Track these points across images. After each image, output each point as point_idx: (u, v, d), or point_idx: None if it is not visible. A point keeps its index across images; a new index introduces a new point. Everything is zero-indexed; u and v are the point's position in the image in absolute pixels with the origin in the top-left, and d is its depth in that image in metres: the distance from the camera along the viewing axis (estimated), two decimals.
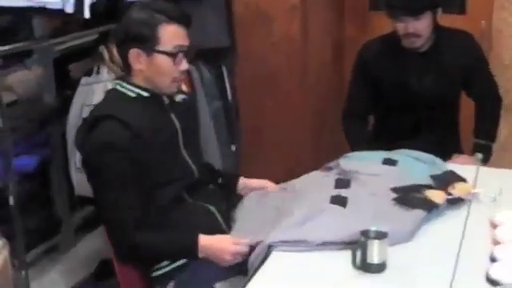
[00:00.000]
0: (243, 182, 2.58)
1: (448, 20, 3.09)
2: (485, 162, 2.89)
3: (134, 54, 2.25)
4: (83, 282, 3.24)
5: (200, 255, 2.15)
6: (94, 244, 3.60)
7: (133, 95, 2.29)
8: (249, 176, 2.57)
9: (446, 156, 2.76)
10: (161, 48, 2.23)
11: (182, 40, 2.28)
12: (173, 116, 2.37)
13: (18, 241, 2.82)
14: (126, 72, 2.35)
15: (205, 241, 2.16)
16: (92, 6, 2.81)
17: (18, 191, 2.93)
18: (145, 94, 2.30)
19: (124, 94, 2.30)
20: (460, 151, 3.04)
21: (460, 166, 2.56)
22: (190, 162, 2.38)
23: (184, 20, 2.28)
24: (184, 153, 2.37)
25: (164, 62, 2.26)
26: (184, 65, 2.30)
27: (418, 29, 2.83)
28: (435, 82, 2.94)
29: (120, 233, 2.18)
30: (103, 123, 2.18)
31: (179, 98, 2.44)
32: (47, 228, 3.54)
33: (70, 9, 2.76)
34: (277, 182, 2.58)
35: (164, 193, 2.26)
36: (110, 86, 3.15)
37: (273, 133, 3.43)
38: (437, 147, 2.70)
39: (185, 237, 2.21)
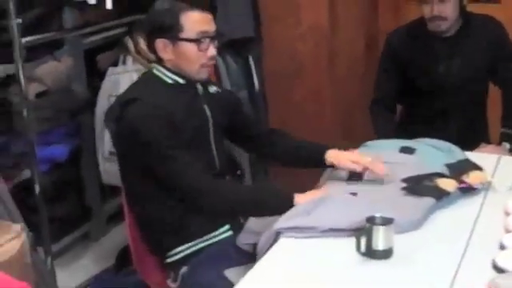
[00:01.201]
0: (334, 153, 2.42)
1: (481, 9, 3.07)
2: None
3: (160, 44, 2.28)
4: (105, 271, 3.29)
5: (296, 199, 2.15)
6: (123, 235, 3.66)
7: (169, 81, 2.32)
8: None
9: (473, 145, 2.74)
10: (184, 35, 2.26)
11: (207, 26, 2.29)
12: (205, 106, 2.39)
13: (44, 229, 2.87)
14: (157, 63, 2.36)
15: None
16: None
17: (47, 180, 3.01)
18: (181, 80, 2.33)
19: (160, 78, 2.32)
20: (487, 140, 3.01)
21: (481, 154, 2.53)
22: (215, 153, 2.40)
23: (206, 6, 2.32)
24: (212, 143, 2.40)
25: (189, 50, 2.27)
26: (211, 50, 2.30)
27: (443, 11, 2.82)
28: (462, 67, 2.93)
29: (197, 183, 2.20)
30: (134, 105, 2.21)
31: (213, 89, 2.46)
32: (78, 216, 3.61)
33: (92, 0, 2.82)
34: (303, 175, 2.56)
35: None
36: (135, 75, 3.22)
37: (299, 125, 3.40)
38: (464, 136, 2.69)
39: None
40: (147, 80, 2.38)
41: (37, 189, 2.86)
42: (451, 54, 2.93)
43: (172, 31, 2.25)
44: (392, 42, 3.09)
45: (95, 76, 3.48)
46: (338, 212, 2.02)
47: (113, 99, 3.23)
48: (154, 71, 2.35)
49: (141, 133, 2.18)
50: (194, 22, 2.26)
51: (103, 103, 3.30)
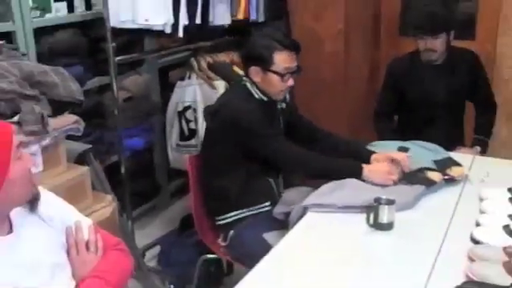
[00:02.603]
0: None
1: (461, 44, 3.03)
2: (482, 153, 2.83)
3: (253, 70, 2.25)
4: (171, 233, 3.30)
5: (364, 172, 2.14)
6: (184, 205, 3.68)
7: (256, 96, 2.29)
8: None
9: (452, 147, 2.71)
10: (273, 69, 2.22)
11: (291, 63, 2.24)
12: (280, 118, 2.39)
13: (126, 199, 2.89)
14: (248, 80, 2.31)
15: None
16: (185, 28, 2.86)
17: (130, 163, 3.04)
18: (265, 98, 2.30)
19: (250, 91, 2.29)
20: (463, 144, 2.97)
21: (460, 154, 2.51)
22: None
23: (294, 47, 2.25)
24: None
25: (275, 79, 2.24)
26: (290, 82, 2.27)
27: (435, 45, 2.78)
28: (446, 89, 2.88)
29: (296, 157, 2.21)
30: (233, 103, 2.23)
31: (283, 105, 2.42)
32: (150, 191, 3.64)
33: (168, 30, 2.82)
34: None
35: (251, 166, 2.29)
36: (197, 88, 3.23)
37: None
38: (446, 140, 2.64)
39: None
40: (240, 89, 2.33)
41: (122, 169, 2.89)
42: (438, 78, 2.89)
43: (265, 63, 2.22)
44: (392, 67, 3.06)
45: (166, 87, 3.49)
46: (351, 193, 2.01)
47: (180, 105, 3.28)
48: (247, 85, 2.31)
49: (242, 123, 2.17)
50: (283, 60, 2.22)
51: (172, 108, 3.32)
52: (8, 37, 2.51)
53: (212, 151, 2.33)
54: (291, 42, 2.27)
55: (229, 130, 2.20)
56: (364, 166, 2.17)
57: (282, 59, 2.22)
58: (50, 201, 1.56)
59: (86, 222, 1.63)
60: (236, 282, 1.61)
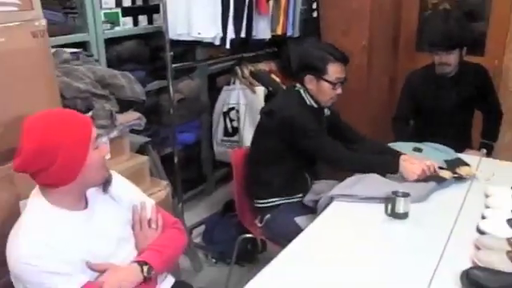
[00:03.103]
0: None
1: (472, 59, 2.96)
2: (488, 155, 2.75)
3: (308, 78, 2.21)
4: (214, 215, 3.31)
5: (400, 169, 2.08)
6: (226, 192, 3.71)
7: (308, 103, 2.25)
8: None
9: (461, 149, 2.65)
10: (326, 78, 2.18)
11: (342, 74, 2.21)
12: (325, 124, 2.34)
13: (178, 185, 2.91)
14: (301, 86, 2.27)
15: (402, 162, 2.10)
16: (231, 41, 2.87)
17: (181, 155, 3.06)
18: (315, 105, 2.27)
19: (303, 97, 2.25)
20: (471, 147, 2.90)
21: (468, 156, 2.45)
22: None
23: (344, 60, 2.21)
24: None
25: (326, 87, 2.20)
26: (339, 90, 2.22)
27: (449, 60, 2.73)
28: (457, 98, 2.82)
29: (341, 155, 2.16)
30: (288, 107, 2.20)
31: (327, 112, 2.38)
32: (198, 179, 3.66)
33: (217, 42, 2.84)
34: None
35: (295, 162, 2.26)
36: (241, 92, 3.25)
37: None
38: (455, 143, 2.59)
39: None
40: (294, 95, 2.27)
41: (175, 160, 2.90)
42: (450, 89, 2.83)
43: (319, 73, 2.19)
44: (410, 78, 3.01)
45: (214, 91, 3.51)
46: (372, 186, 1.99)
47: (225, 106, 3.30)
48: (301, 92, 2.26)
49: (296, 123, 2.14)
50: (335, 71, 2.18)
51: (219, 108, 3.34)
52: (84, 46, 2.56)
53: (262, 145, 2.31)
54: (343, 55, 2.22)
55: (283, 129, 2.17)
56: (402, 159, 2.11)
57: (334, 70, 2.18)
58: (120, 183, 1.60)
59: (150, 203, 1.67)
60: (269, 259, 1.61)
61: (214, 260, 2.96)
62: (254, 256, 2.87)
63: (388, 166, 2.11)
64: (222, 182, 3.82)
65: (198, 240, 3.13)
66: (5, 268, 1.45)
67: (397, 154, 2.19)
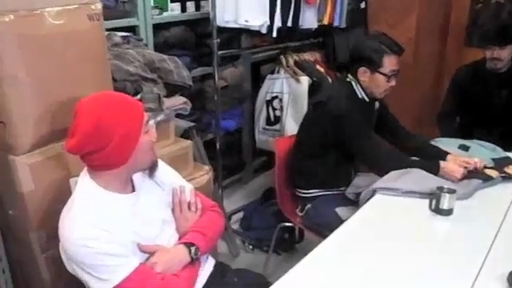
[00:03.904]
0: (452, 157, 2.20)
1: None
2: None
3: (362, 70, 2.16)
4: (253, 202, 3.32)
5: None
6: (265, 180, 3.72)
7: (359, 96, 2.21)
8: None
9: (509, 147, 2.57)
10: (381, 70, 2.13)
11: (396, 66, 2.16)
12: (374, 117, 2.32)
13: (219, 171, 2.93)
14: (354, 79, 2.22)
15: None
16: (278, 30, 2.87)
17: (222, 141, 3.08)
18: (366, 98, 2.23)
19: (354, 90, 2.21)
20: None
21: None
22: None
23: (399, 51, 2.16)
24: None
25: (381, 80, 2.15)
26: (393, 82, 2.18)
27: (501, 54, 2.66)
28: (507, 95, 2.74)
29: (379, 164, 2.10)
30: (337, 100, 2.14)
31: (377, 105, 2.33)
32: (237, 166, 3.67)
33: (264, 30, 2.83)
34: None
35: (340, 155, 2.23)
36: (284, 81, 3.23)
37: None
38: (503, 141, 2.51)
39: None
40: (346, 88, 2.22)
41: (217, 146, 2.91)
42: (500, 85, 2.75)
43: (374, 65, 2.14)
44: (458, 74, 2.93)
45: (257, 79, 3.51)
46: (416, 181, 1.95)
47: (268, 95, 3.30)
48: (352, 84, 2.21)
49: (342, 120, 2.10)
50: (391, 63, 2.13)
51: (262, 96, 3.34)
52: (133, 30, 2.60)
53: (308, 136, 2.29)
54: (399, 47, 2.16)
55: (329, 122, 2.14)
56: (441, 163, 2.05)
57: (390, 62, 2.13)
58: (161, 167, 1.62)
59: (188, 187, 1.69)
60: (305, 248, 1.61)
61: (250, 246, 2.98)
62: (290, 245, 2.87)
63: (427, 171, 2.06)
64: (260, 171, 3.83)
65: (235, 226, 3.15)
66: (53, 242, 1.51)
67: (440, 154, 2.15)
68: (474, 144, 2.39)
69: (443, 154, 2.18)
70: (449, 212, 1.78)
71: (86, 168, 1.46)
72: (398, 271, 1.48)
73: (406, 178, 1.97)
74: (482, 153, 2.29)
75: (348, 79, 2.24)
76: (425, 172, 2.03)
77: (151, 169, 1.52)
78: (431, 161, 2.08)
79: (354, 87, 2.22)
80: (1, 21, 1.45)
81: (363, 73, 2.17)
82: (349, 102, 2.15)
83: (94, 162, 1.39)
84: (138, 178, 1.54)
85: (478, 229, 1.71)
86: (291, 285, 1.42)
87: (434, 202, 1.80)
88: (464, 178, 2.01)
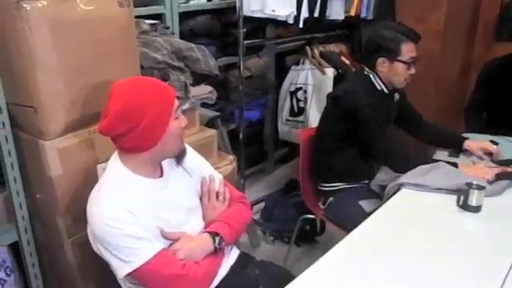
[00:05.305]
0: (470, 142, 2.27)
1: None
2: None
3: (380, 61, 2.14)
4: (275, 193, 3.31)
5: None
6: (286, 171, 3.70)
7: (378, 88, 2.19)
8: None
9: None
10: (400, 58, 2.11)
11: (415, 53, 2.13)
12: (394, 108, 2.30)
13: (242, 161, 2.92)
14: (371, 71, 2.19)
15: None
16: (304, 20, 2.84)
17: (245, 132, 3.07)
18: (385, 90, 2.20)
19: (373, 83, 2.19)
20: None
21: None
22: None
23: (416, 38, 2.13)
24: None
25: (401, 68, 2.12)
26: (413, 70, 2.15)
27: None
28: None
29: (393, 148, 2.11)
30: (355, 94, 2.12)
31: (396, 96, 2.30)
32: (259, 156, 3.68)
33: (290, 20, 2.80)
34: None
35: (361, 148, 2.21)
36: (309, 72, 3.20)
37: None
38: None
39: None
40: (364, 81, 2.20)
41: (240, 136, 2.91)
42: None
43: (392, 54, 2.11)
44: (488, 67, 2.87)
45: (282, 70, 3.48)
46: (444, 177, 1.91)
47: (292, 86, 3.27)
48: (370, 77, 2.19)
49: (359, 116, 2.09)
50: (409, 50, 2.11)
51: (286, 87, 3.32)
52: (159, 18, 2.59)
53: (327, 130, 2.28)
54: (414, 33, 2.13)
55: (346, 117, 2.13)
56: (460, 164, 2.02)
57: (408, 49, 2.10)
58: (191, 155, 1.62)
59: (218, 177, 1.68)
60: (326, 241, 1.60)
61: (271, 237, 2.98)
62: (311, 237, 2.86)
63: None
64: (282, 162, 3.82)
65: (256, 217, 3.15)
66: (80, 226, 1.52)
67: (459, 139, 2.18)
68: (502, 140, 2.34)
69: (461, 140, 2.19)
70: (477, 209, 1.75)
71: (116, 152, 1.47)
72: (422, 269, 1.44)
73: (435, 174, 1.93)
74: (511, 149, 2.24)
75: (366, 72, 2.21)
76: (453, 168, 1.99)
77: (179, 156, 1.52)
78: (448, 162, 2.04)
79: (373, 80, 2.19)
80: (34, 6, 1.46)
81: (382, 63, 2.14)
82: (366, 96, 2.12)
83: (125, 144, 1.40)
84: (166, 164, 1.54)
85: (507, 226, 1.67)
86: (316, 279, 1.40)
87: (462, 198, 1.76)
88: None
